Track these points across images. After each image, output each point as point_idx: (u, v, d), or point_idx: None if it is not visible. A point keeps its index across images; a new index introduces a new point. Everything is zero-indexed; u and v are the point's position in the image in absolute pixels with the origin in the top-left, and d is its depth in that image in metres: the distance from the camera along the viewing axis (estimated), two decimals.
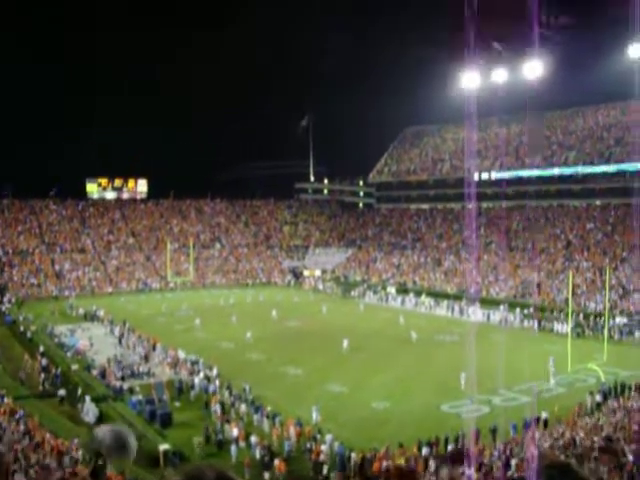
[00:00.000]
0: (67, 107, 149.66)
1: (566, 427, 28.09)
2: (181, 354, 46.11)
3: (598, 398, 34.05)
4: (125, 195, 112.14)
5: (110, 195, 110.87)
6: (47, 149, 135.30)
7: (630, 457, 19.07)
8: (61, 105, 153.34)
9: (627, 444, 21.56)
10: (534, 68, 71.00)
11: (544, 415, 31.35)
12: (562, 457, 21.66)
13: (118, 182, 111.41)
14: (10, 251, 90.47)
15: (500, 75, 79.38)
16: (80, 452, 25.30)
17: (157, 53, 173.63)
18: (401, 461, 25.99)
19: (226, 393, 37.22)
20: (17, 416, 30.02)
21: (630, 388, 35.18)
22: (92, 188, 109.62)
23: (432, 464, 25.53)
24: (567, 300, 55.66)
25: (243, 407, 34.28)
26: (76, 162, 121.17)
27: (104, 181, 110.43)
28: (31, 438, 26.36)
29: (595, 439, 23.72)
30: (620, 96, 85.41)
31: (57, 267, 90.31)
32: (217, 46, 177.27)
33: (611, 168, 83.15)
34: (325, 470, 26.81)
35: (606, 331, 49.49)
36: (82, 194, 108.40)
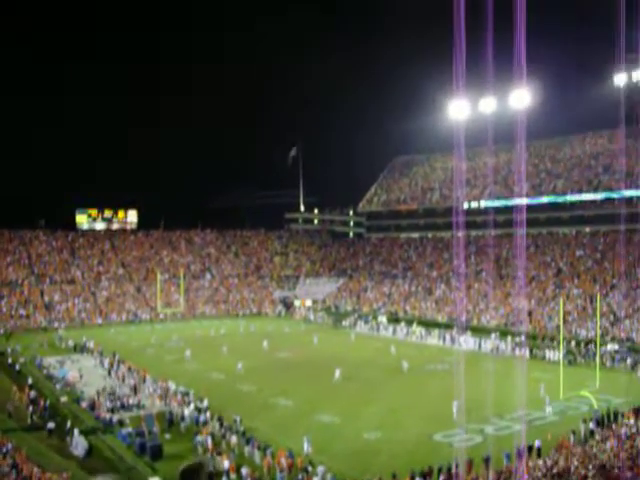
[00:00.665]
0: (59, 137, 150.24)
1: (559, 455, 27.90)
2: (171, 385, 45.71)
3: (591, 426, 33.88)
4: (115, 226, 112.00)
5: (100, 226, 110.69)
6: (37, 179, 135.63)
7: None
8: (52, 136, 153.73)
9: (621, 472, 21.45)
10: (522, 97, 71.93)
11: (537, 443, 31.14)
12: None
13: (108, 213, 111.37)
14: None
15: (488, 104, 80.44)
16: None
17: (151, 86, 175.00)
18: None
19: (217, 424, 36.86)
20: (4, 449, 29.60)
21: (623, 415, 35.05)
22: (82, 219, 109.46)
23: None
24: (558, 327, 55.67)
25: (234, 438, 33.93)
26: (66, 193, 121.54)
27: (94, 212, 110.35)
28: (18, 472, 25.98)
29: (589, 467, 23.58)
30: (607, 124, 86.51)
31: (46, 298, 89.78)
32: (211, 80, 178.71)
33: (599, 195, 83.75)
34: None
35: (598, 358, 49.45)
36: (72, 225, 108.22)
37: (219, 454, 31.53)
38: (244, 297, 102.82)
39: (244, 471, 29.08)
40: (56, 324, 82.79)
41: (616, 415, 35.49)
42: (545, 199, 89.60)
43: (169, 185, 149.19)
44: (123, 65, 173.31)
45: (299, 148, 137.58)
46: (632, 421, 33.00)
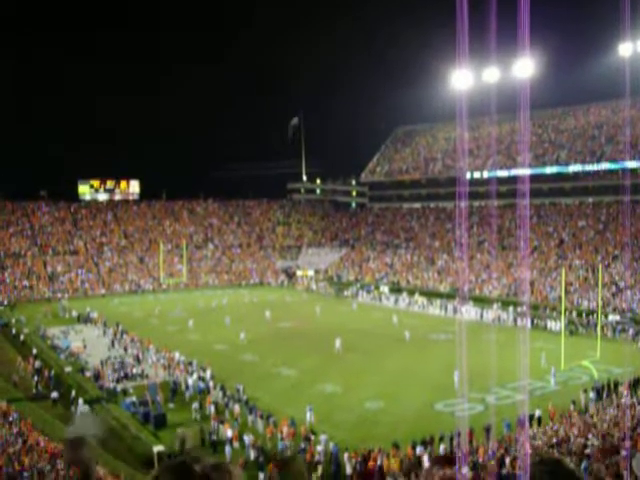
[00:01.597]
0: (59, 109, 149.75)
1: (560, 425, 28.14)
2: (176, 355, 45.99)
3: (592, 395, 34.12)
4: (117, 196, 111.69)
5: (102, 196, 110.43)
6: (39, 151, 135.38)
7: (624, 453, 19.11)
8: (54, 107, 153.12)
9: (621, 441, 21.63)
10: (525, 67, 71.39)
11: (537, 413, 31.39)
12: (556, 454, 21.72)
13: (110, 183, 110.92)
14: (2, 253, 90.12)
15: (492, 74, 79.88)
16: None
17: (151, 55, 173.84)
18: (396, 461, 26.01)
19: (220, 394, 37.18)
20: (10, 418, 29.92)
21: (623, 385, 35.27)
22: (84, 190, 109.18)
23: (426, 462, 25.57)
24: (560, 298, 55.80)
25: (237, 407, 34.24)
26: (68, 164, 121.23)
27: (96, 183, 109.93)
28: (24, 441, 26.26)
29: (589, 436, 23.79)
30: (611, 95, 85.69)
31: (49, 269, 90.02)
32: (212, 49, 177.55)
33: (603, 166, 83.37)
34: (320, 470, 26.80)
35: (599, 329, 49.56)
36: (74, 196, 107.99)
37: (222, 423, 31.86)
38: (247, 267, 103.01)
39: (247, 439, 29.39)
40: (59, 295, 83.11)
41: (616, 385, 35.73)
42: (548, 169, 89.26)
43: (171, 155, 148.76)
44: (123, 32, 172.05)
45: (301, 118, 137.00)
46: (626, 392, 33.23)
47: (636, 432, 23.28)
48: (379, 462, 26.06)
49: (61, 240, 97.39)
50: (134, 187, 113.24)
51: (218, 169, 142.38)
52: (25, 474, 21.76)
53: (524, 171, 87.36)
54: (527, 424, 28.49)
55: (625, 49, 70.14)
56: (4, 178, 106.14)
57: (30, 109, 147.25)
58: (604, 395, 34.52)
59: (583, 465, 18.40)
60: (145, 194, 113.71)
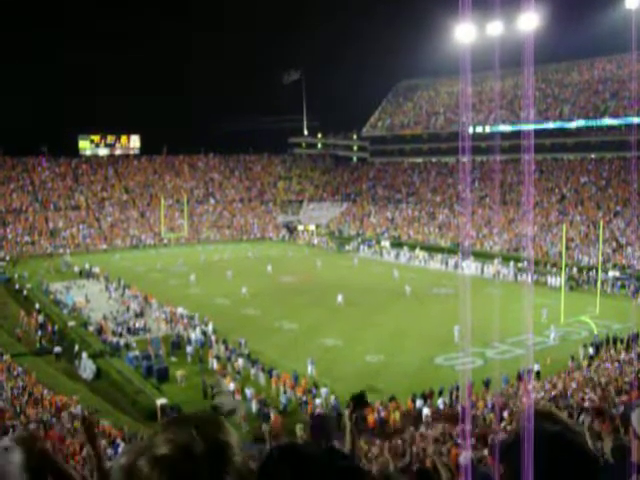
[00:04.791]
0: (60, 63, 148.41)
1: (558, 379, 28.45)
2: (180, 310, 46.26)
3: (591, 350, 34.41)
4: (118, 151, 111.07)
5: (103, 151, 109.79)
6: (38, 105, 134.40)
7: (621, 407, 19.36)
8: (54, 62, 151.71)
9: (618, 396, 21.89)
10: (530, 21, 70.27)
11: (536, 367, 31.70)
12: (551, 407, 21.98)
13: (110, 138, 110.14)
14: (3, 209, 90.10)
15: (496, 28, 78.71)
16: (79, 407, 25.58)
17: (155, 9, 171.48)
18: (396, 414, 26.38)
19: (222, 348, 37.53)
20: (15, 373, 30.28)
21: (622, 341, 35.54)
22: (84, 145, 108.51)
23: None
24: (561, 254, 55.89)
25: (239, 361, 34.59)
26: (68, 118, 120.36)
27: (96, 137, 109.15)
28: (30, 394, 26.62)
29: (587, 391, 24.06)
30: (617, 49, 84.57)
31: (51, 224, 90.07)
32: (211, 4, 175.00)
33: (606, 122, 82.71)
34: None
35: (599, 284, 49.76)
36: (74, 151, 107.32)
37: (224, 376, 32.24)
38: (248, 222, 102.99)
39: (249, 392, 29.77)
40: (61, 250, 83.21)
41: (615, 340, 36.00)
42: (551, 125, 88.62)
43: (171, 110, 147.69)
44: None
45: (301, 72, 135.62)
46: (624, 348, 33.53)
47: (633, 387, 23.55)
48: (376, 415, 26.44)
49: (62, 195, 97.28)
50: (134, 142, 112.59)
51: (219, 123, 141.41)
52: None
53: (527, 126, 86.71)
54: (531, 377, 28.82)
55: (632, 2, 68.96)
56: (3, 133, 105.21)
57: (29, 65, 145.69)
58: (603, 350, 34.81)
59: (581, 419, 18.67)
60: (146, 149, 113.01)
